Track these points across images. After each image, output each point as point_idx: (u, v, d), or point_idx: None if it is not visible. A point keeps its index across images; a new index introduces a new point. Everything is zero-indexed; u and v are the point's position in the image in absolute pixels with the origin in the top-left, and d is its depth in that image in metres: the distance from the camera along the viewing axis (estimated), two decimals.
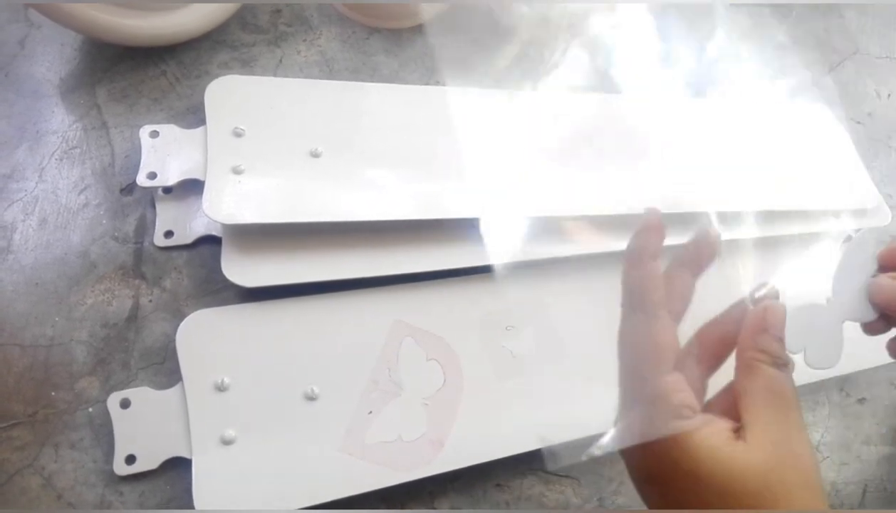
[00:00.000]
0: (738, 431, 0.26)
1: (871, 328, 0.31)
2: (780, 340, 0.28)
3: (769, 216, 0.52)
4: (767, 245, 0.52)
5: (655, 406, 0.26)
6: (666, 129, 0.53)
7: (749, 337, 0.28)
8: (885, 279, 0.30)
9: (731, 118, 0.57)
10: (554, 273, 0.47)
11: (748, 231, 0.51)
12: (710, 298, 0.49)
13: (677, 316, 0.30)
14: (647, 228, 0.30)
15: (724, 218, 0.50)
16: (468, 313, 0.45)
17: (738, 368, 0.28)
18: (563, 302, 0.46)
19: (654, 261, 0.29)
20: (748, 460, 0.25)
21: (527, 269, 0.47)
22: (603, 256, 0.47)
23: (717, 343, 0.30)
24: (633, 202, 0.47)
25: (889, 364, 0.51)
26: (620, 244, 0.46)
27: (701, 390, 0.29)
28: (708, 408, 0.28)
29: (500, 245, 0.45)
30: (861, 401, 0.49)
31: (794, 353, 0.29)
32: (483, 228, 0.45)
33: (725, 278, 0.51)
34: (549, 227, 0.46)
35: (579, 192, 0.47)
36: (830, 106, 0.59)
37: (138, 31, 0.47)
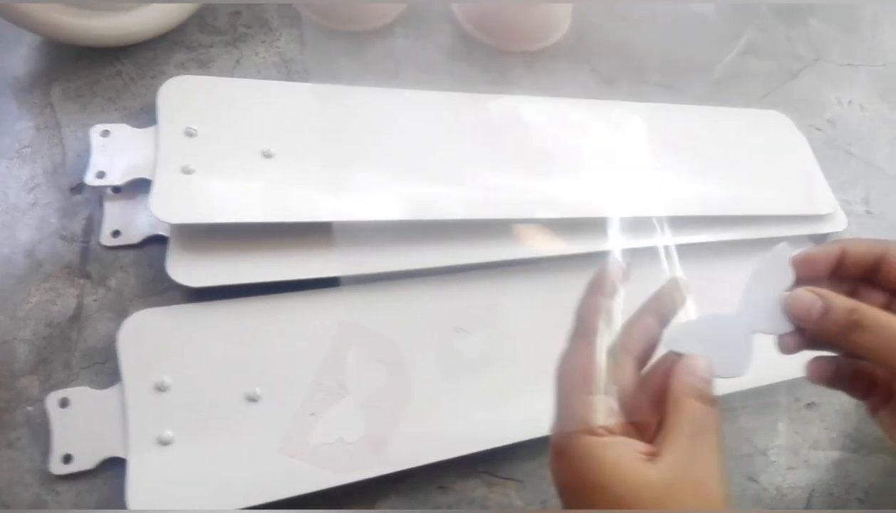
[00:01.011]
0: (653, 455, 0.27)
1: (785, 343, 0.31)
2: (709, 381, 0.29)
3: (724, 221, 0.53)
4: (721, 250, 0.53)
5: (574, 423, 0.28)
6: (622, 133, 0.54)
7: (681, 375, 0.29)
8: (803, 291, 0.30)
9: (689, 123, 0.57)
10: (504, 276, 0.47)
11: (701, 236, 0.51)
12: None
13: (642, 359, 0.31)
14: (609, 271, 0.32)
15: (679, 223, 0.51)
16: (416, 315, 0.45)
17: (666, 402, 0.29)
18: (513, 305, 0.47)
19: (605, 297, 0.31)
20: (648, 477, 0.26)
21: (477, 271, 0.47)
22: (554, 260, 0.47)
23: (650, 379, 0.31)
24: (582, 207, 0.48)
25: None
26: (567, 248, 0.48)
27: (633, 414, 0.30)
28: (632, 431, 0.30)
29: (449, 247, 0.45)
30: (810, 405, 0.50)
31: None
32: (433, 229, 0.45)
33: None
34: (499, 230, 0.46)
35: (527, 196, 0.48)
36: (790, 113, 0.60)
37: (94, 31, 0.47)
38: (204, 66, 0.51)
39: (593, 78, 0.56)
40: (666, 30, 0.60)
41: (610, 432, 0.28)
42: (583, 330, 0.31)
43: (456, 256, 0.46)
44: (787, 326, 0.31)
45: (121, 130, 0.45)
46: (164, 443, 0.38)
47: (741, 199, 0.54)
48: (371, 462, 0.39)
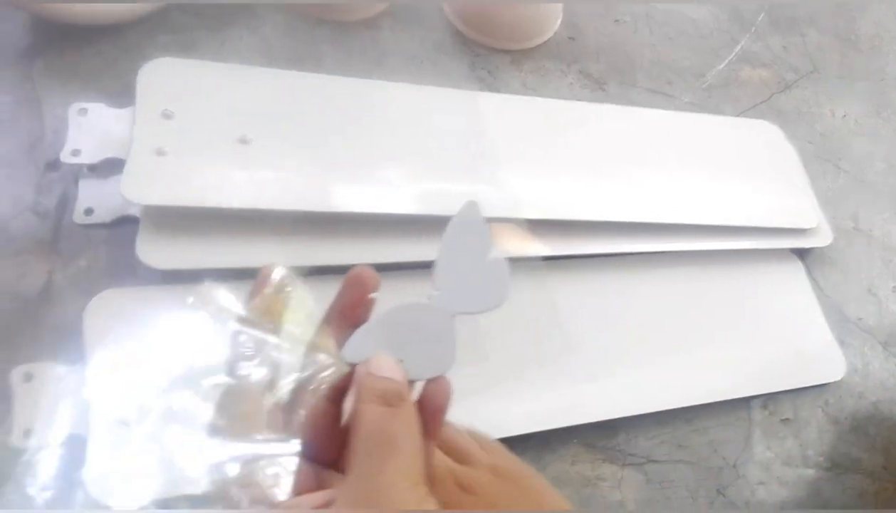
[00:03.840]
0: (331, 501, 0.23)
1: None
2: (395, 381, 0.24)
3: (708, 231, 0.52)
4: (704, 259, 0.52)
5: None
6: (608, 137, 0.53)
7: (358, 381, 0.24)
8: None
9: (677, 129, 0.56)
10: None
11: (684, 244, 0.50)
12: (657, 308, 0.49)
13: (336, 396, 0.25)
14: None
15: (663, 230, 0.51)
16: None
17: (350, 424, 0.24)
18: None
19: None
20: None
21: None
22: (536, 261, 0.47)
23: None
24: (559, 209, 0.47)
25: (816, 387, 0.51)
26: (547, 250, 0.47)
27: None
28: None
29: (416, 243, 0.44)
30: (785, 421, 0.49)
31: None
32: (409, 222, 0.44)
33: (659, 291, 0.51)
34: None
35: (504, 194, 0.47)
36: (782, 124, 0.59)
37: (78, 10, 0.47)
38: (187, 50, 0.50)
39: (582, 80, 0.56)
40: (659, 34, 0.59)
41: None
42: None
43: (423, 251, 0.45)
44: (494, 301, 0.25)
45: (99, 110, 0.45)
46: (124, 423, 0.37)
47: (725, 209, 0.53)
48: None
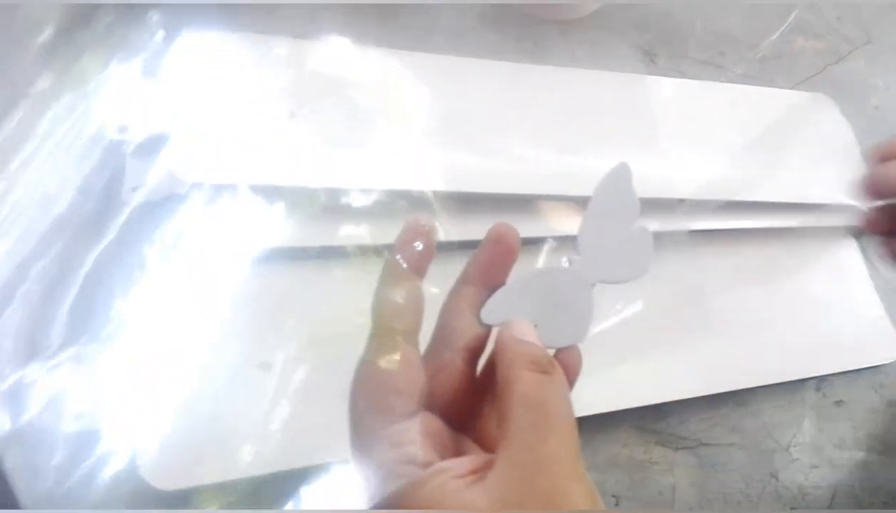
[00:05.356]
0: (483, 471, 0.21)
1: (871, 220, 0.29)
2: (540, 346, 0.24)
3: (761, 207, 0.51)
4: (756, 237, 0.51)
5: (377, 464, 0.23)
6: (665, 111, 0.51)
7: (505, 345, 0.23)
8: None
9: (731, 104, 0.55)
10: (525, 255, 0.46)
11: (731, 222, 0.49)
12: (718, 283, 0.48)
13: (473, 354, 0.25)
14: (410, 242, 0.25)
15: (711, 207, 0.49)
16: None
17: (498, 390, 0.23)
18: None
19: (409, 280, 0.24)
20: (476, 504, 0.20)
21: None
22: None
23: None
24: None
25: (870, 368, 0.49)
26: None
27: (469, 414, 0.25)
28: (469, 447, 0.25)
29: (478, 220, 0.43)
30: (838, 403, 0.48)
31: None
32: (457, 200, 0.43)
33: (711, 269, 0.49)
34: (525, 205, 0.45)
35: (556, 170, 0.46)
36: (836, 96, 0.57)
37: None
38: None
39: (632, 51, 0.54)
40: (710, 4, 0.57)
41: (427, 460, 0.22)
42: (381, 332, 0.24)
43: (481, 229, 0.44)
44: (634, 271, 0.25)
45: (142, 84, 0.44)
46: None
47: (777, 185, 0.52)
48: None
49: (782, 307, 0.50)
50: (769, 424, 0.46)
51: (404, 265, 0.25)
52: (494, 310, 0.24)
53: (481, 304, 0.25)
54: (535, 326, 0.24)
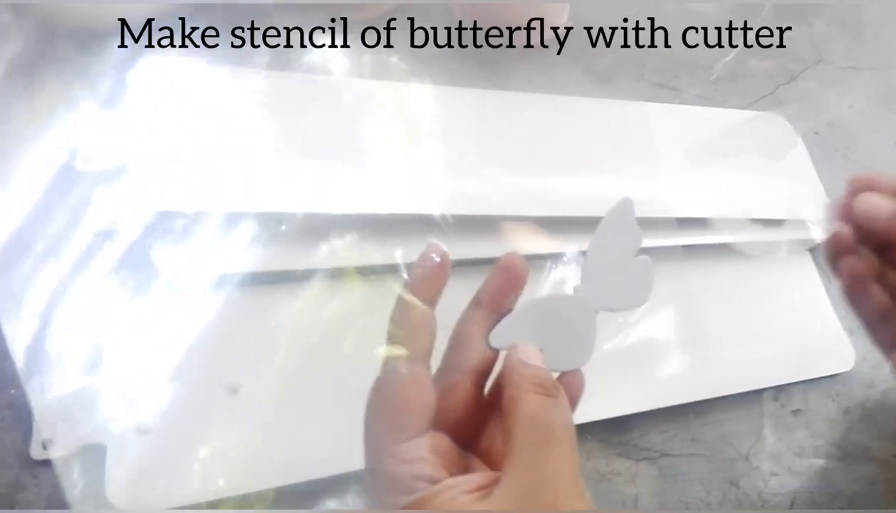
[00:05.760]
0: (490, 486, 0.23)
1: (840, 238, 0.29)
2: (545, 369, 0.25)
3: (715, 224, 0.52)
4: (711, 253, 0.52)
5: (389, 479, 0.24)
6: (617, 132, 0.53)
7: (512, 368, 0.25)
8: (871, 196, 0.28)
9: (686, 123, 0.56)
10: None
11: (690, 238, 0.51)
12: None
13: (481, 375, 0.27)
14: (427, 265, 0.26)
15: (669, 224, 0.51)
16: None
17: (504, 410, 0.24)
18: None
19: (421, 301, 0.26)
20: None
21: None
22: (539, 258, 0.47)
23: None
24: (574, 205, 0.47)
25: (826, 377, 0.51)
26: (556, 247, 0.47)
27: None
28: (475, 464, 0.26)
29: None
30: (796, 412, 0.49)
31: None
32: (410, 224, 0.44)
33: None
34: (484, 227, 0.46)
35: (517, 193, 0.47)
36: (789, 115, 0.59)
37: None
38: None
39: (589, 76, 0.56)
40: (665, 28, 0.59)
41: (436, 477, 0.23)
42: (395, 354, 0.25)
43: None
44: (636, 300, 0.27)
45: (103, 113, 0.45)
46: (142, 432, 0.38)
47: (732, 202, 0.53)
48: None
49: (739, 320, 0.51)
50: (728, 434, 0.47)
51: (418, 292, 0.26)
52: (502, 334, 0.26)
53: (490, 328, 0.26)
54: (541, 350, 0.25)
